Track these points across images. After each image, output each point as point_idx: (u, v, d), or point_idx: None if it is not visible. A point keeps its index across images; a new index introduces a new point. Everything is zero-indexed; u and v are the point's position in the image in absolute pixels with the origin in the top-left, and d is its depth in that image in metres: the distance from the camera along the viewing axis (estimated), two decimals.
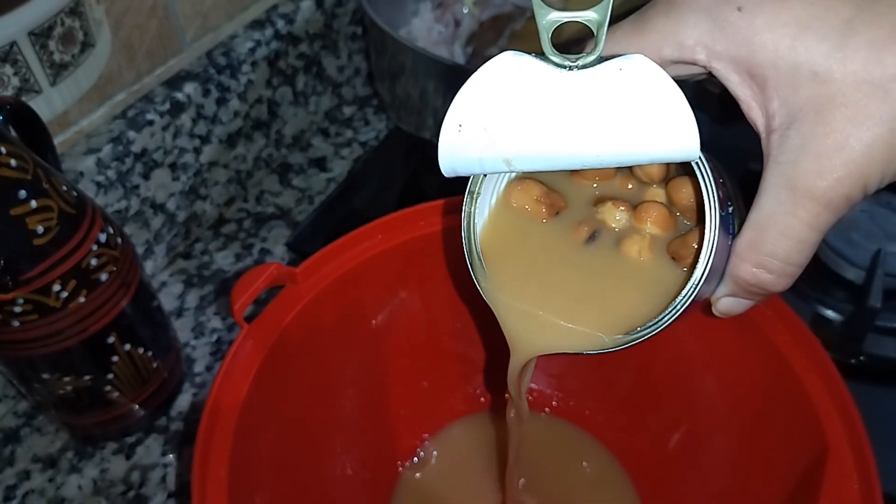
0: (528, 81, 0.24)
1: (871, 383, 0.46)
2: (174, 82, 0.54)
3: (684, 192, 0.27)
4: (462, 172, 0.26)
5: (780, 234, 0.23)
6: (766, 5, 0.22)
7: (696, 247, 0.26)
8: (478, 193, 0.28)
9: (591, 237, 0.27)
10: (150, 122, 0.51)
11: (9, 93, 0.44)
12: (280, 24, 0.60)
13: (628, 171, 0.29)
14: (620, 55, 0.23)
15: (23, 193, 0.34)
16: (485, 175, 0.28)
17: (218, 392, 0.34)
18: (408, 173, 0.63)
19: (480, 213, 0.29)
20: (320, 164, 0.66)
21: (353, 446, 0.43)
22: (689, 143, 0.23)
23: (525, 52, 0.24)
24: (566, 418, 0.47)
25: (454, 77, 0.50)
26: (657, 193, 0.28)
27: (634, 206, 0.28)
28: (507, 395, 0.33)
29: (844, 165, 0.22)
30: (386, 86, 0.57)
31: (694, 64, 0.24)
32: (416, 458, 0.45)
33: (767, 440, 0.37)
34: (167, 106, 0.52)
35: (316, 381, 0.40)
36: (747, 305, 0.27)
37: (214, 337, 0.53)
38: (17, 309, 0.36)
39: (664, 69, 0.24)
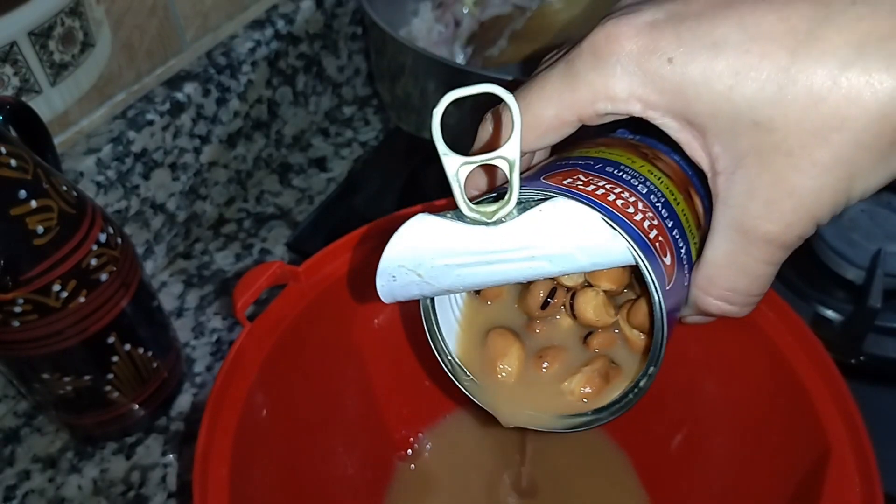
0: (451, 239, 0.23)
1: (871, 383, 0.46)
2: (174, 82, 0.54)
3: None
4: (404, 301, 0.26)
5: (738, 272, 0.24)
6: (698, 56, 0.21)
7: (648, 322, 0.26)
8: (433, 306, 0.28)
9: (548, 298, 0.27)
10: (150, 122, 0.51)
11: (9, 93, 0.44)
12: (280, 24, 0.60)
13: None
14: (540, 198, 0.23)
15: (23, 193, 0.34)
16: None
17: (220, 390, 0.34)
18: (408, 173, 0.63)
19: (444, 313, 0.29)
20: (320, 164, 0.66)
21: (354, 444, 0.43)
22: (619, 257, 0.23)
23: (439, 215, 0.23)
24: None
25: (454, 77, 0.50)
26: None
27: None
28: None
29: (794, 211, 0.22)
30: (386, 86, 0.57)
31: (629, 114, 0.24)
32: (410, 451, 0.46)
33: (769, 442, 0.37)
34: (167, 106, 0.52)
35: (318, 380, 0.40)
36: (714, 319, 0.27)
37: (214, 337, 0.53)
38: (17, 309, 0.36)
39: (600, 121, 0.24)
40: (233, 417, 0.33)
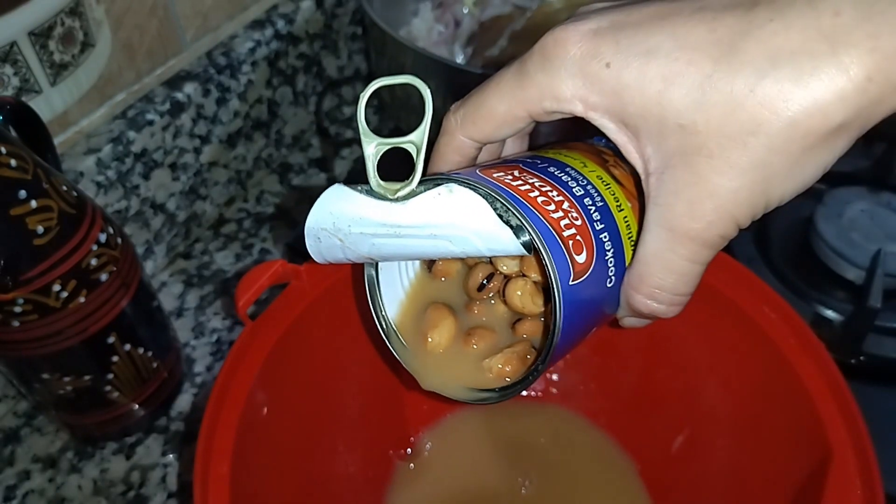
0: (362, 209, 0.26)
1: (871, 383, 0.46)
2: (174, 82, 0.54)
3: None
4: (335, 263, 0.29)
5: (665, 270, 0.25)
6: (632, 61, 0.23)
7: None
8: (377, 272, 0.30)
9: (485, 282, 0.29)
10: (150, 122, 0.51)
11: (9, 93, 0.44)
12: (280, 24, 0.60)
13: None
14: (440, 182, 0.25)
15: (23, 193, 0.34)
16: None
17: (221, 388, 0.34)
18: (408, 173, 0.63)
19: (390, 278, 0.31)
20: (320, 164, 0.66)
21: (355, 443, 0.43)
22: (512, 246, 0.24)
23: (352, 186, 0.26)
24: (576, 413, 0.47)
25: (454, 77, 0.50)
26: None
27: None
28: None
29: (715, 210, 0.23)
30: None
31: (572, 114, 0.25)
32: (409, 450, 0.46)
33: (770, 442, 0.37)
34: (167, 106, 0.52)
35: (319, 379, 0.40)
36: (650, 322, 0.29)
37: (214, 337, 0.53)
38: (17, 309, 0.36)
39: (548, 118, 0.26)
40: (234, 416, 0.33)
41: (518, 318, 0.30)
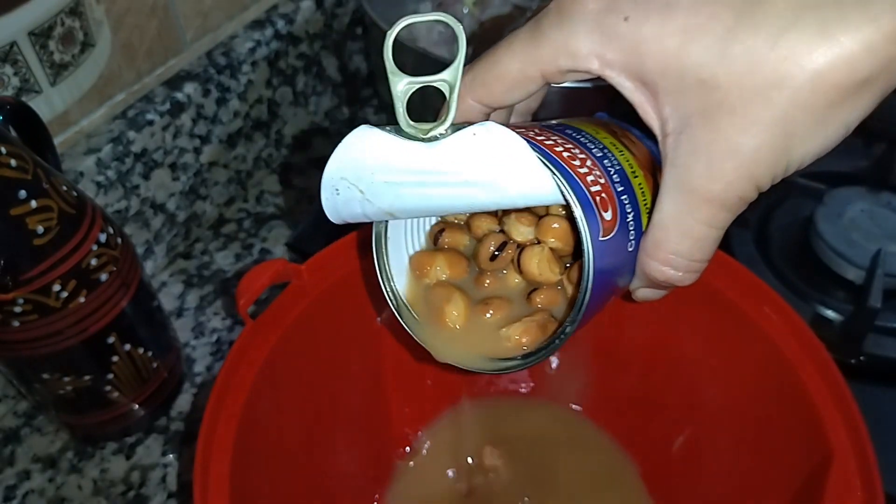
0: (389, 152, 0.24)
1: (871, 383, 0.46)
2: (174, 82, 0.54)
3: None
4: (350, 221, 0.27)
5: (682, 235, 0.24)
6: (651, 15, 0.22)
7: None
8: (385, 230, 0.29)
9: (497, 251, 0.28)
10: (150, 122, 0.51)
11: (9, 93, 0.44)
12: (280, 24, 0.60)
13: None
14: (474, 122, 0.24)
15: (23, 193, 0.34)
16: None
17: (221, 386, 0.34)
18: None
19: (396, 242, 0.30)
20: (320, 164, 0.66)
21: (355, 442, 0.43)
22: (547, 191, 0.23)
23: (381, 127, 0.25)
24: (576, 412, 0.47)
25: None
26: (555, 211, 0.29)
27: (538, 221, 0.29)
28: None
29: (735, 170, 0.22)
30: (386, 86, 0.57)
31: (588, 72, 0.25)
32: (409, 448, 0.46)
33: (770, 443, 0.37)
34: (167, 106, 0.52)
35: (319, 378, 0.40)
36: (664, 293, 0.28)
37: (214, 337, 0.53)
38: (17, 309, 0.36)
39: (562, 79, 0.25)
40: (234, 416, 0.33)
41: (532, 288, 0.29)
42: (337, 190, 0.26)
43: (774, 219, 0.54)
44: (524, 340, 0.28)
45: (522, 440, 0.46)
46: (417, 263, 0.30)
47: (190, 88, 0.54)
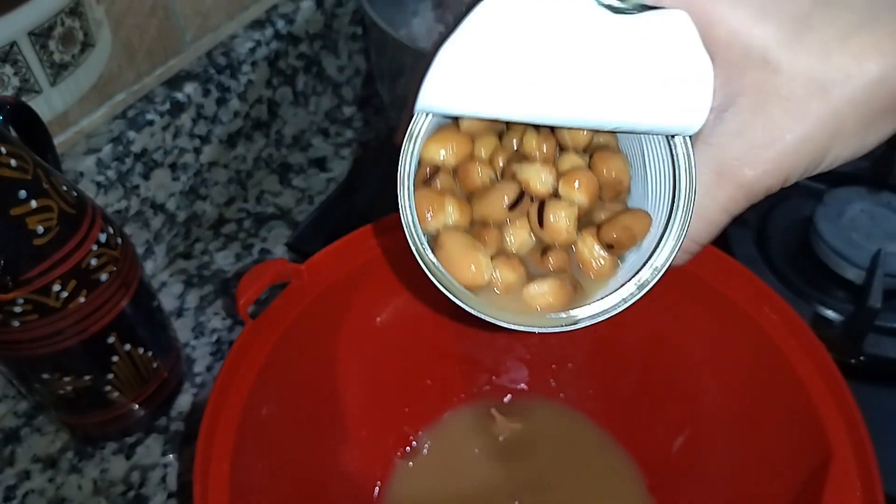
0: (564, 10, 0.22)
1: (871, 383, 0.46)
2: (174, 82, 0.54)
3: (613, 165, 0.25)
4: (439, 111, 0.23)
5: (696, 215, 0.24)
6: None
7: (632, 230, 0.24)
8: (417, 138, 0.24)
9: (515, 203, 0.25)
10: (150, 122, 0.51)
11: (9, 93, 0.44)
12: (280, 24, 0.60)
13: (549, 130, 0.26)
14: (663, 7, 0.22)
15: (23, 193, 0.34)
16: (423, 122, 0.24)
17: (221, 386, 0.34)
18: None
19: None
20: (320, 164, 0.66)
21: (355, 442, 0.43)
22: (697, 115, 0.22)
23: None
24: (577, 411, 0.47)
25: None
26: (577, 161, 0.26)
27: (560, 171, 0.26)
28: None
29: (773, 160, 0.22)
30: (386, 86, 0.57)
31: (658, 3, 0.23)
32: (409, 448, 0.46)
33: (771, 443, 0.37)
34: (167, 106, 0.52)
35: (319, 378, 0.40)
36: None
37: (214, 337, 0.53)
38: (17, 309, 0.36)
39: None
40: (234, 415, 0.33)
41: (543, 248, 0.25)
42: (472, 54, 0.22)
43: (774, 219, 0.54)
44: (552, 301, 0.24)
45: (522, 440, 0.46)
46: (424, 201, 0.25)
47: (190, 88, 0.54)
